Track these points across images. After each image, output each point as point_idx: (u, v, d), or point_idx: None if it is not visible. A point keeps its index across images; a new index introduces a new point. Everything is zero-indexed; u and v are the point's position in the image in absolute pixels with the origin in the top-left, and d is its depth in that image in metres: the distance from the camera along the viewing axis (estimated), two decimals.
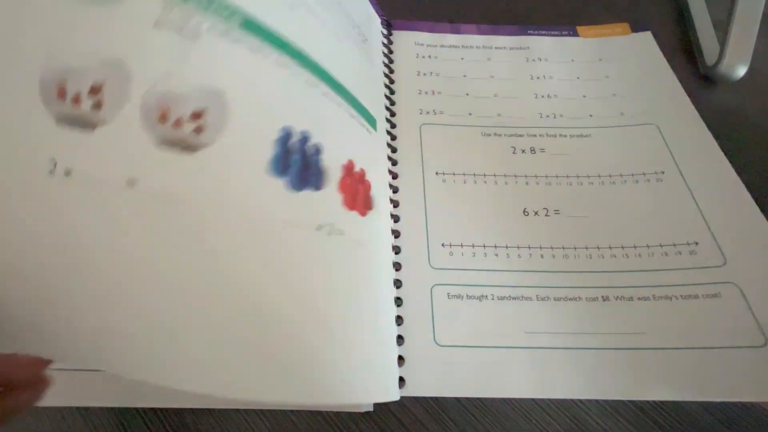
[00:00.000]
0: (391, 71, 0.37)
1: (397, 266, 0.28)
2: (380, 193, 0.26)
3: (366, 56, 0.31)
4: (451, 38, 0.40)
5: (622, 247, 0.29)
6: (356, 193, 0.23)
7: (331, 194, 0.22)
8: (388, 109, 0.35)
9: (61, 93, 0.16)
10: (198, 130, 0.18)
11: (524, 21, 0.43)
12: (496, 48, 0.40)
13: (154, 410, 0.25)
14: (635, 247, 0.29)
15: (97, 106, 0.17)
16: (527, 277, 0.28)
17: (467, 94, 0.37)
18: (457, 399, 0.25)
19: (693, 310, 0.26)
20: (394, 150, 0.33)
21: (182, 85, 0.18)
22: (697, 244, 0.29)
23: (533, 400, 0.25)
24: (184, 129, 0.18)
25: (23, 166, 0.16)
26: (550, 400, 0.25)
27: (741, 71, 0.37)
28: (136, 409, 0.25)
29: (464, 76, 0.38)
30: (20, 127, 0.16)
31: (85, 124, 0.17)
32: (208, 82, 0.19)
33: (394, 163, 0.32)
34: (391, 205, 0.30)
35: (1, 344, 0.15)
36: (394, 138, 0.34)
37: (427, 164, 0.32)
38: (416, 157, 0.33)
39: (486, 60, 0.39)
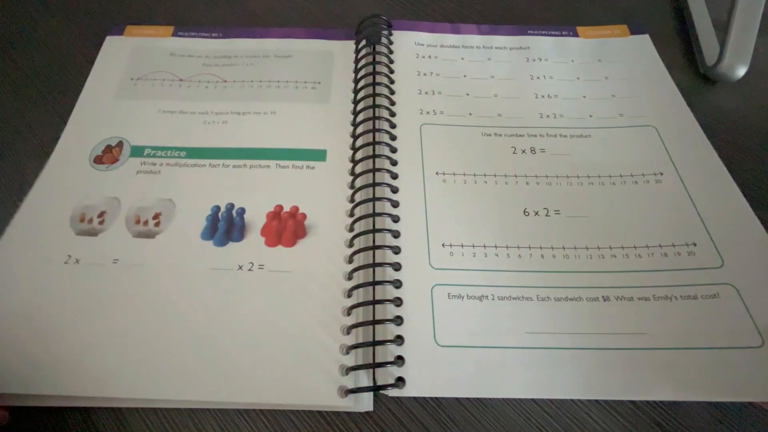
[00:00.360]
0: (391, 71, 0.37)
1: (397, 266, 0.28)
2: (325, 216, 0.31)
3: (318, 97, 0.37)
4: (451, 38, 0.40)
5: (622, 248, 0.29)
6: (281, 231, 0.30)
7: (253, 241, 0.30)
8: (387, 108, 0.35)
9: (82, 219, 0.30)
10: (157, 224, 0.30)
11: (524, 21, 0.43)
12: (496, 48, 0.40)
13: (154, 410, 0.25)
14: (635, 247, 0.29)
15: (101, 222, 0.30)
16: (527, 277, 0.28)
17: (467, 94, 0.37)
18: (457, 399, 0.26)
19: (692, 310, 0.27)
20: (394, 150, 0.33)
21: (148, 201, 0.31)
22: (695, 245, 0.29)
23: (533, 400, 0.25)
24: (149, 225, 0.30)
25: (50, 261, 0.29)
26: (550, 400, 0.25)
27: (741, 71, 0.37)
28: (136, 409, 0.25)
29: (464, 76, 0.38)
30: (53, 240, 0.29)
31: (93, 233, 0.30)
32: (163, 196, 0.31)
33: (394, 163, 0.32)
34: (391, 206, 0.30)
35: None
36: (394, 138, 0.34)
37: (427, 164, 0.32)
38: (416, 157, 0.33)
39: (486, 60, 0.39)
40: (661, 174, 0.32)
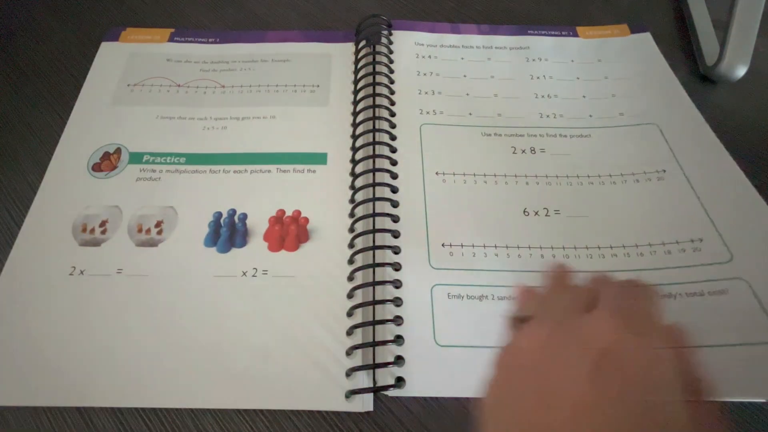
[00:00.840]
0: (391, 71, 0.37)
1: (397, 266, 0.28)
2: (327, 219, 0.31)
3: (317, 100, 0.37)
4: (451, 38, 0.40)
5: (623, 247, 0.29)
6: (285, 235, 0.30)
7: (256, 246, 0.30)
8: (387, 108, 0.35)
9: (84, 229, 0.30)
10: (159, 232, 0.30)
11: (524, 21, 0.43)
12: (496, 48, 0.40)
13: (154, 410, 0.25)
14: (636, 246, 0.29)
15: (104, 232, 0.30)
16: (527, 277, 0.28)
17: (467, 94, 0.37)
18: (457, 399, 0.25)
19: (698, 307, 0.26)
20: (393, 150, 0.33)
21: (149, 209, 0.31)
22: (701, 240, 0.29)
23: None
24: (151, 234, 0.30)
25: (55, 272, 0.28)
26: None
27: (741, 71, 0.37)
28: (136, 409, 0.25)
29: (464, 76, 0.38)
30: (57, 251, 0.29)
31: (96, 243, 0.30)
32: (164, 204, 0.31)
33: (394, 163, 0.32)
34: (391, 206, 0.30)
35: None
36: (394, 138, 0.34)
37: (427, 164, 0.32)
38: (416, 157, 0.33)
39: (486, 60, 0.39)
40: (664, 171, 0.32)
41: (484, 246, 0.29)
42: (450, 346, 0.26)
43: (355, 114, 0.35)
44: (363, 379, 0.25)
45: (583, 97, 0.37)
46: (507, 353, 0.20)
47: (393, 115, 0.35)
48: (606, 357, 0.18)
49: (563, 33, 0.41)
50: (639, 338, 0.18)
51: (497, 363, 0.20)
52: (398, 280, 0.28)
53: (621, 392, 0.17)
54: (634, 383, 0.17)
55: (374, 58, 0.37)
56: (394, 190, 0.31)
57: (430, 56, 0.39)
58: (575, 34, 0.41)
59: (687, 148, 0.33)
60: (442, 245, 0.29)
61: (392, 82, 0.37)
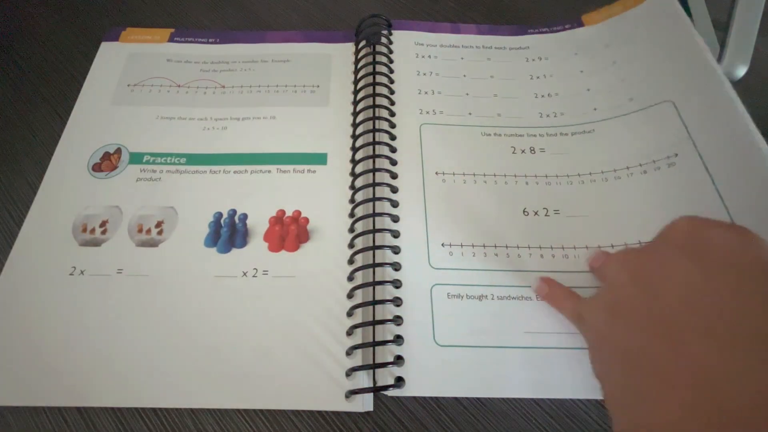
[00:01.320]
0: (391, 71, 0.37)
1: (397, 266, 0.28)
2: (327, 219, 0.31)
3: (317, 100, 0.37)
4: (451, 38, 0.40)
5: (625, 245, 0.29)
6: (285, 235, 0.30)
7: (256, 247, 0.30)
8: (387, 109, 0.35)
9: (84, 229, 0.30)
10: (159, 232, 0.30)
11: (525, 19, 0.43)
12: (495, 48, 0.40)
13: (154, 410, 0.25)
14: (640, 243, 0.29)
15: (104, 232, 0.30)
16: (527, 277, 0.28)
17: (467, 94, 0.37)
18: (457, 399, 0.26)
19: None
20: (393, 150, 0.33)
21: (149, 209, 0.31)
22: None
23: (533, 400, 0.25)
24: (151, 234, 0.30)
25: (55, 272, 0.29)
26: (550, 400, 0.25)
27: (741, 71, 0.37)
28: (136, 409, 0.25)
29: (464, 75, 0.38)
30: (57, 251, 0.29)
31: (96, 243, 0.30)
32: (165, 204, 0.31)
33: (394, 163, 0.32)
34: (391, 206, 0.30)
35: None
36: (393, 138, 0.34)
37: (427, 164, 0.32)
38: (416, 157, 0.33)
39: (486, 60, 0.39)
40: (675, 155, 0.31)
41: (484, 246, 0.29)
42: (450, 346, 0.26)
43: (355, 114, 0.35)
44: (363, 379, 0.25)
45: (587, 90, 0.36)
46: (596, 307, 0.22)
47: (393, 115, 0.35)
48: (692, 235, 0.19)
49: (566, 26, 0.40)
50: (715, 221, 0.20)
51: (589, 330, 0.22)
52: (398, 280, 0.28)
53: (716, 262, 0.18)
54: (728, 253, 0.18)
55: (374, 58, 0.37)
56: (394, 190, 0.31)
57: (430, 56, 0.39)
58: (579, 24, 0.40)
59: (706, 122, 0.31)
60: (442, 245, 0.29)
61: (392, 81, 0.37)
